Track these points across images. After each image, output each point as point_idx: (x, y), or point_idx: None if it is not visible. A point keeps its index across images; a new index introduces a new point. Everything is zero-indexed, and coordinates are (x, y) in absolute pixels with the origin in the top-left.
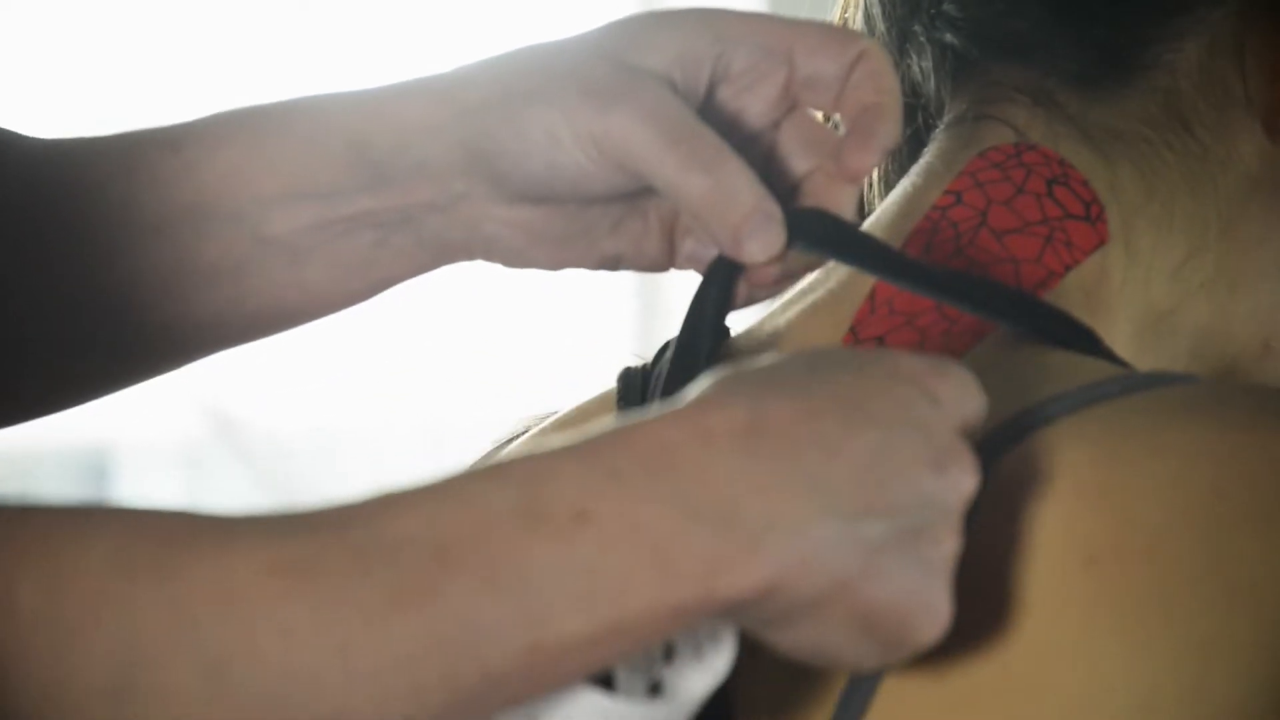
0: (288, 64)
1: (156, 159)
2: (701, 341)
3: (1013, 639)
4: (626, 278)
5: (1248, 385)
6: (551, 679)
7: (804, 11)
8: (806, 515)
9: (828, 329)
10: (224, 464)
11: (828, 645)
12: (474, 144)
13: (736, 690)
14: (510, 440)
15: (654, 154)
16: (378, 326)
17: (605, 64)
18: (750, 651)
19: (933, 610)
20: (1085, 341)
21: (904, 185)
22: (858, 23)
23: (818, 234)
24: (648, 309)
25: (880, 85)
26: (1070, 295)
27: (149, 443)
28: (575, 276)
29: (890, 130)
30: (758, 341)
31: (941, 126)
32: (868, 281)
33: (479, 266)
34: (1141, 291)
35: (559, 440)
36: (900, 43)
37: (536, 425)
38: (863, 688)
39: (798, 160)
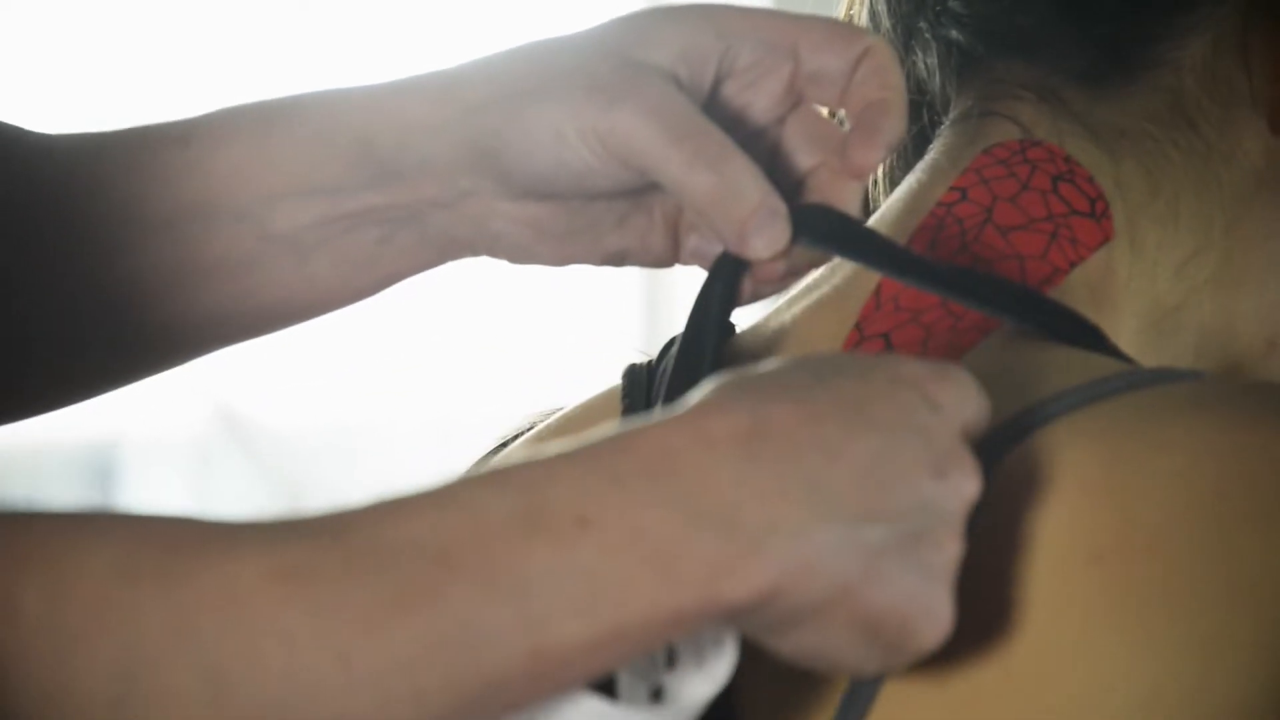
0: (288, 63)
1: (164, 154)
2: (706, 338)
3: (1015, 641)
4: (631, 274)
5: (1252, 382)
6: (553, 684)
7: (809, 7)
8: (808, 519)
9: (833, 325)
10: (230, 460)
11: (829, 650)
12: (479, 141)
13: (739, 695)
14: (515, 437)
15: (659, 150)
16: (384, 323)
17: (610, 60)
18: (752, 656)
19: (934, 615)
20: (1091, 338)
21: (909, 182)
22: (863, 19)
23: (823, 230)
24: (652, 305)
25: (885, 81)
26: (1075, 292)
27: (156, 439)
28: (580, 273)
29: (895, 126)
30: (763, 338)
31: (946, 123)
32: (873, 278)
33: (484, 263)
34: (1147, 288)
35: (559, 445)
36: (905, 39)
37: (541, 421)
38: (864, 691)
39: (803, 156)
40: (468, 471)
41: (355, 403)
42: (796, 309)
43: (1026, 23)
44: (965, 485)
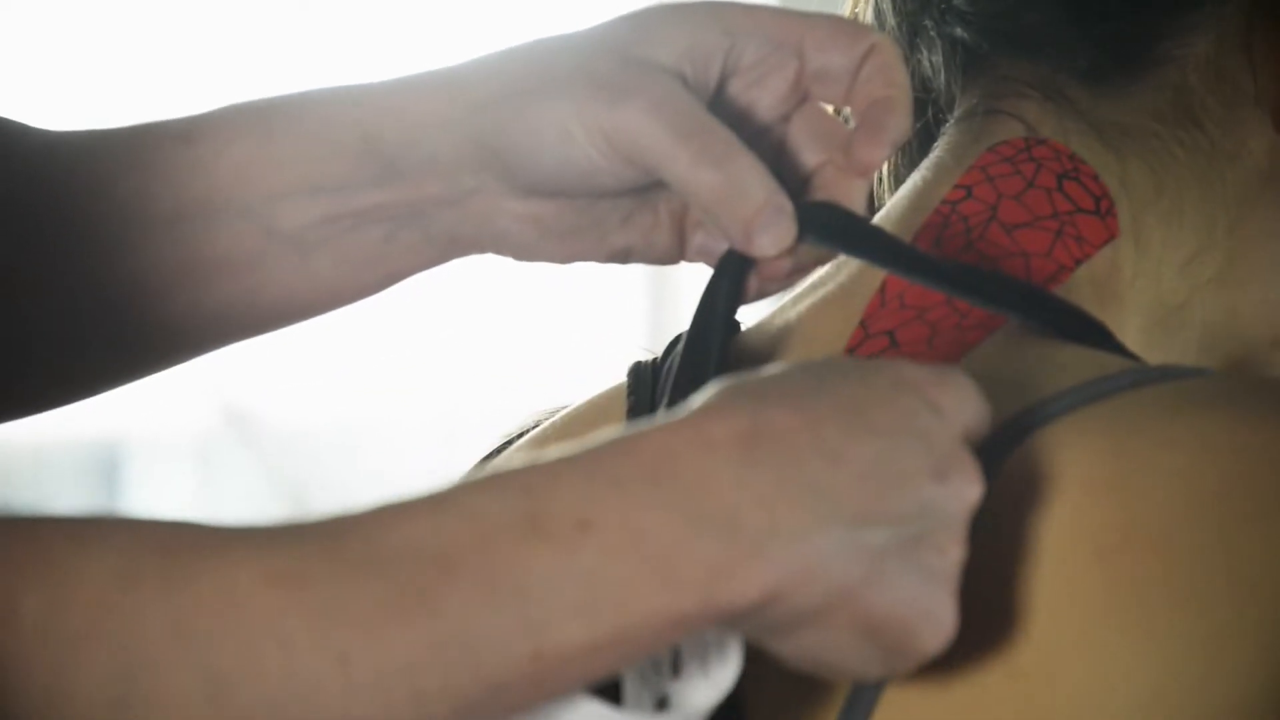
0: (288, 63)
1: (167, 152)
2: (712, 335)
3: (1018, 641)
4: (637, 271)
5: (1258, 379)
6: (553, 687)
7: (814, 5)
8: (808, 523)
9: (838, 323)
10: (235, 458)
11: (831, 654)
12: (484, 139)
13: (744, 701)
14: (520, 434)
15: (664, 148)
16: (388, 321)
17: (615, 58)
18: (755, 659)
19: (936, 619)
20: (1097, 335)
21: (914, 179)
22: (868, 17)
23: (829, 228)
24: (658, 303)
25: (890, 79)
26: (1080, 289)
27: (161, 437)
28: (585, 270)
29: (900, 124)
30: (768, 335)
31: (951, 121)
32: (878, 275)
33: (489, 260)
34: (1152, 286)
35: (560, 449)
36: (910, 37)
37: (546, 419)
38: (866, 695)
39: (808, 154)
40: (470, 471)
41: (359, 400)
42: (802, 306)
43: (1031, 20)
44: (967, 489)
